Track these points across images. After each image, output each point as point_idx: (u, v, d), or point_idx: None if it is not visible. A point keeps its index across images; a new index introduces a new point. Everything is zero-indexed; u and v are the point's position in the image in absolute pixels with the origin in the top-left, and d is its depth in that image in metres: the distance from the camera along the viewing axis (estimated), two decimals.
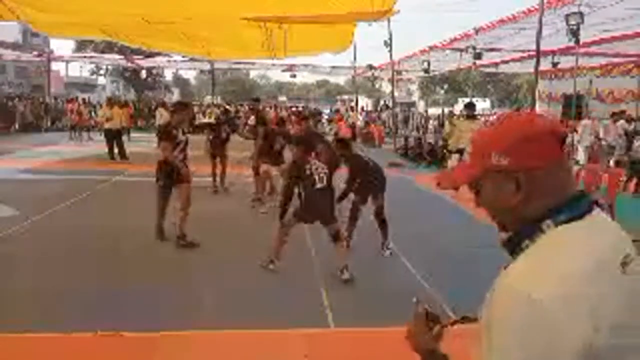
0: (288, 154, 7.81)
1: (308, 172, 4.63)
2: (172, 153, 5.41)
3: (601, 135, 13.30)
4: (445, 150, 11.96)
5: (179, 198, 5.55)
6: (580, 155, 12.53)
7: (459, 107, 34.82)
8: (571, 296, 0.80)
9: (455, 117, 12.39)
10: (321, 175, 4.65)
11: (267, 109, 28.39)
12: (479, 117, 11.29)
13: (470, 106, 9.83)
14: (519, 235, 0.93)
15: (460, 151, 9.10)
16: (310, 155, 4.77)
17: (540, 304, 0.79)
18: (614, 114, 13.60)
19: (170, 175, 5.47)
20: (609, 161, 12.56)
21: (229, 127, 8.89)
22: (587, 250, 0.85)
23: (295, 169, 4.78)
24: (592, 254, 0.85)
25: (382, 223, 5.48)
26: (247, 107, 23.19)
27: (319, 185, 4.61)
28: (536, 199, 0.90)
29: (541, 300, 0.79)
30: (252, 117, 8.94)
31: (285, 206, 4.76)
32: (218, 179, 8.72)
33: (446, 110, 28.88)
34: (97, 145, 15.47)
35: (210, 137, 8.64)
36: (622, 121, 13.44)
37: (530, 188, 0.89)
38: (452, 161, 10.18)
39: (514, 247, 0.93)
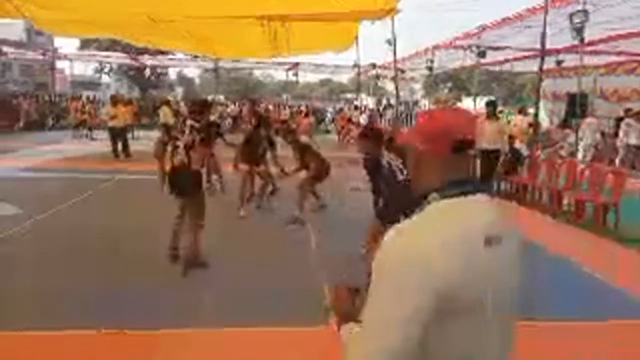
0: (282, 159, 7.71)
1: (386, 164, 4.19)
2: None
3: (620, 135, 13.20)
4: None
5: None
6: (580, 153, 12.41)
7: (462, 106, 34.66)
8: (441, 253, 1.04)
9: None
10: (399, 166, 4.18)
11: (270, 107, 28.40)
12: (499, 115, 10.43)
13: (490, 105, 9.42)
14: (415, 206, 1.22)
15: (484, 152, 8.78)
16: (382, 147, 4.28)
17: (417, 255, 1.05)
18: (636, 111, 13.41)
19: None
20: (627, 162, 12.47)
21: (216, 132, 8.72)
22: (460, 220, 1.11)
23: (370, 164, 4.31)
24: (462, 224, 1.10)
25: None
26: (246, 108, 23.15)
27: (400, 177, 4.13)
28: (427, 178, 1.19)
29: (419, 253, 1.05)
30: (254, 119, 8.70)
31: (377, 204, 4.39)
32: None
33: None
34: (101, 143, 15.52)
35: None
36: (627, 119, 13.36)
37: (424, 168, 1.20)
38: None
39: (410, 214, 1.21)
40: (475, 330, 1.10)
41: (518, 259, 1.18)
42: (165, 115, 14.62)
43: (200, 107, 5.04)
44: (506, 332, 1.17)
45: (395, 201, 4.10)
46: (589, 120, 13.21)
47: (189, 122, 4.82)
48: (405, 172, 4.18)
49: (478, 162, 8.90)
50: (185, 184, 4.79)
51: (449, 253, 1.05)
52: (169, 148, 4.83)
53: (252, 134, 7.27)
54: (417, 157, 1.22)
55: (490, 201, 1.17)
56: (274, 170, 7.53)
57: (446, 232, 1.08)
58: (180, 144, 4.73)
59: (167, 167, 4.89)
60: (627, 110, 13.78)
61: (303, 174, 7.14)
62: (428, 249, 1.05)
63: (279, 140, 7.80)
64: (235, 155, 7.21)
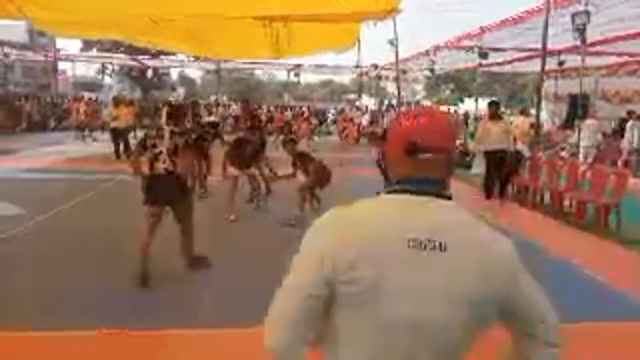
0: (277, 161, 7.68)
1: None
2: None
3: (627, 137, 13.17)
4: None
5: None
6: (581, 155, 12.37)
7: (463, 107, 34.64)
8: (339, 234, 1.14)
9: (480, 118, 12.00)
10: None
11: (272, 108, 28.40)
12: (501, 114, 10.06)
13: (493, 105, 9.31)
14: None
15: (490, 153, 8.76)
16: None
17: (317, 230, 1.20)
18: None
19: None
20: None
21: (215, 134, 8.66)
22: (381, 216, 1.16)
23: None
24: (381, 220, 1.14)
25: None
26: (241, 108, 22.98)
27: None
28: (390, 176, 1.27)
29: (318, 228, 1.20)
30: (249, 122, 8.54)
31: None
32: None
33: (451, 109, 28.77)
34: (103, 144, 15.55)
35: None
36: (631, 121, 13.32)
37: (387, 167, 1.29)
38: (476, 166, 9.95)
39: None
40: (376, 326, 1.11)
41: (478, 271, 1.11)
42: None
43: (178, 112, 4.79)
44: (444, 344, 1.11)
45: None
46: (589, 121, 13.16)
47: (167, 127, 4.59)
48: None
49: (482, 163, 8.92)
50: (168, 189, 4.53)
51: (352, 243, 1.11)
52: (148, 154, 4.54)
53: (244, 135, 7.22)
54: (385, 157, 1.34)
55: (445, 205, 1.17)
56: (266, 172, 7.56)
57: (357, 223, 1.15)
58: (163, 149, 4.46)
59: (145, 171, 4.63)
60: (630, 112, 13.73)
61: (302, 178, 7.13)
62: (335, 235, 1.14)
63: (275, 142, 7.80)
64: (224, 159, 7.09)
